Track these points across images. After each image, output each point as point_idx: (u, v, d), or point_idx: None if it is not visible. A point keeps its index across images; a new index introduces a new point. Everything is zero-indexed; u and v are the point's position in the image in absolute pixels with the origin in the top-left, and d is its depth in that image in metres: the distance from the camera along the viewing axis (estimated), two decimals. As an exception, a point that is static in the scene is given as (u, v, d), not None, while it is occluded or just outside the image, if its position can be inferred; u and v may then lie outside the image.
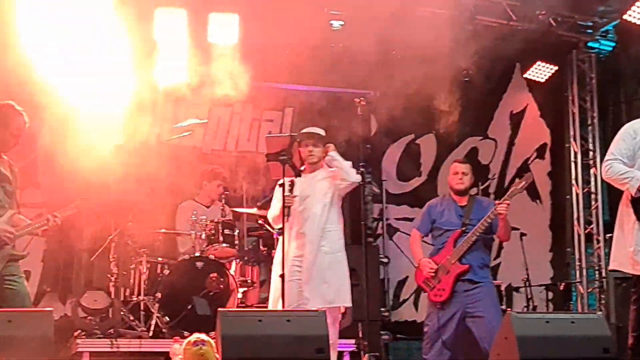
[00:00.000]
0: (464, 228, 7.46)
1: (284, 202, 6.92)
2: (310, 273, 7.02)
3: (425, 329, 7.51)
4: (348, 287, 7.14)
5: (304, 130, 7.34)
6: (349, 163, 7.27)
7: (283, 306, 6.65)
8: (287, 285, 6.89)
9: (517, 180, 7.70)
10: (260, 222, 9.02)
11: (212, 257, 8.36)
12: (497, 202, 7.49)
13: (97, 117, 9.15)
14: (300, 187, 7.17)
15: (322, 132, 7.34)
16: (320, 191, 7.23)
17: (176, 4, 9.49)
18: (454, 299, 7.36)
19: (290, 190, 7.03)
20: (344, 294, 7.11)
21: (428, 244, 7.89)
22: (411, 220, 8.30)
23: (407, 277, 10.50)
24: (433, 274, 7.38)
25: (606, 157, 6.43)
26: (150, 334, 7.92)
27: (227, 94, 10.06)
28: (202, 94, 9.88)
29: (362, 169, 7.35)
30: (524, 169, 11.17)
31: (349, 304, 7.14)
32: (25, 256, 6.50)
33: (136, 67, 9.46)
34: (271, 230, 8.84)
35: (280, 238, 7.19)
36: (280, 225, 7.11)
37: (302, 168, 7.36)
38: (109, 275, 8.50)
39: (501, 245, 10.21)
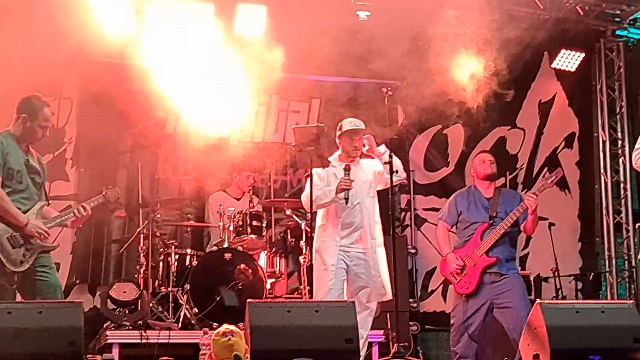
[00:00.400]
0: (491, 221, 7.44)
1: (311, 191, 6.89)
2: (372, 268, 7.10)
3: (452, 321, 7.50)
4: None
5: (349, 125, 7.28)
6: (398, 159, 7.30)
7: (312, 295, 6.67)
8: (334, 272, 6.97)
9: (547, 174, 7.68)
10: (288, 213, 9.02)
11: (240, 248, 8.38)
12: (525, 194, 7.46)
13: (125, 109, 9.24)
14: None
15: (363, 125, 7.33)
16: (366, 183, 7.26)
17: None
18: (480, 290, 7.34)
19: (347, 175, 7.02)
20: (389, 287, 7.18)
21: (453, 232, 7.87)
22: (439, 210, 8.26)
23: (435, 267, 10.45)
24: (459, 270, 7.38)
25: (636, 146, 6.38)
26: (179, 325, 7.96)
27: (253, 86, 10.09)
28: (229, 85, 9.90)
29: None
30: (552, 159, 11.08)
31: (391, 297, 7.19)
32: (56, 247, 6.55)
33: (165, 59, 9.53)
34: (299, 221, 8.86)
35: (318, 228, 7.22)
36: (316, 211, 7.14)
37: (332, 157, 7.35)
38: (137, 267, 8.56)
39: (530, 236, 10.16)
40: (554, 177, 7.54)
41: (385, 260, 7.25)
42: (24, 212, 6.18)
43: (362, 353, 6.61)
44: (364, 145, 7.30)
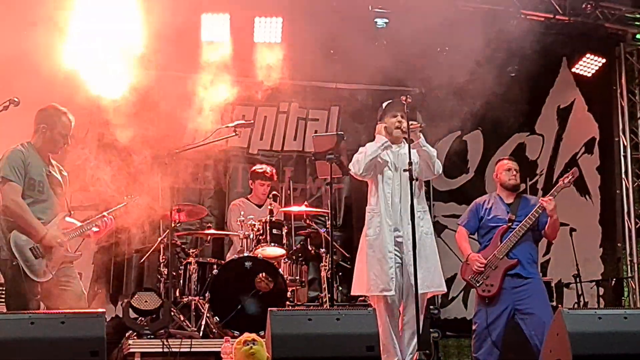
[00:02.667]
0: (510, 224, 7.42)
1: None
2: (414, 255, 6.46)
3: (474, 327, 7.47)
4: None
5: (389, 102, 7.06)
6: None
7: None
8: (394, 260, 6.72)
9: (564, 175, 7.66)
10: (307, 221, 9.03)
11: (260, 256, 8.38)
12: (542, 199, 7.45)
13: (144, 118, 9.27)
14: (391, 158, 6.95)
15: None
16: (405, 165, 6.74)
17: (221, 10, 9.55)
18: (502, 295, 7.31)
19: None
20: (441, 277, 6.89)
21: (474, 239, 7.85)
22: (459, 217, 8.25)
23: (455, 274, 10.41)
24: (482, 270, 7.34)
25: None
26: (201, 334, 7.97)
27: (272, 94, 10.13)
28: (248, 94, 9.94)
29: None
30: (572, 164, 11.06)
31: (445, 289, 6.94)
32: (79, 257, 6.57)
33: (183, 70, 9.58)
34: (318, 229, 8.88)
35: (369, 213, 6.96)
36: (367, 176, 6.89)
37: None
38: (159, 276, 8.58)
39: (551, 242, 10.12)
40: (570, 177, 7.52)
41: (435, 251, 6.86)
42: (46, 222, 6.22)
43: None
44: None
